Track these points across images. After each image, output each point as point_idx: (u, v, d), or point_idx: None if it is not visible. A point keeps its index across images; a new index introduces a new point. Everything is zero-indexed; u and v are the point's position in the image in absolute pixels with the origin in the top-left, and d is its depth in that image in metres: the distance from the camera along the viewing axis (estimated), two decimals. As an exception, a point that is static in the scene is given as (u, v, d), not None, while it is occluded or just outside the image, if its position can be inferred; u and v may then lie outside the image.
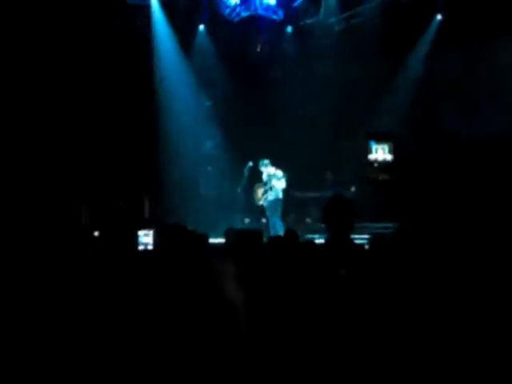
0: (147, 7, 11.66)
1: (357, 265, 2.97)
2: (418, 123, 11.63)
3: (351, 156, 12.28)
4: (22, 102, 9.81)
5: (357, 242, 3.35)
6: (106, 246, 3.80)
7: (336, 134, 12.50)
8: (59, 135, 10.25)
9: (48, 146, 10.04)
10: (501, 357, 2.37)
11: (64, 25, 10.09)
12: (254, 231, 5.49)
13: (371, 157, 12.24)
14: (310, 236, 9.45)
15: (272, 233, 9.78)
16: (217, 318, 2.65)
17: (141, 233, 6.68)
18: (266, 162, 10.45)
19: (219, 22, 12.31)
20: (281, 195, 10.34)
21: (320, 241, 6.08)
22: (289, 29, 13.00)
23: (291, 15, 12.54)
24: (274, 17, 12.20)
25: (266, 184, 10.42)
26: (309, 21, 12.68)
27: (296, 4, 12.19)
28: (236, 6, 11.84)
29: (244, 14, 11.96)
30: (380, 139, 12.25)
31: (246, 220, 12.05)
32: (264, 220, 11.22)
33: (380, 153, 12.26)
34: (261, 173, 10.54)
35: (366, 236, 5.42)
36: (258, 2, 11.82)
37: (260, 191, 10.54)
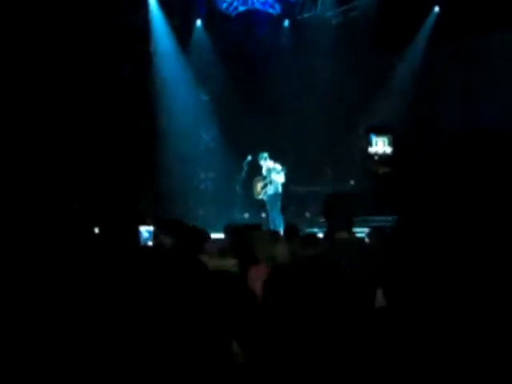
0: (144, 3, 11.63)
1: (357, 258, 2.98)
2: (417, 116, 11.64)
3: (350, 149, 12.29)
4: (20, 105, 9.80)
5: (357, 235, 3.36)
6: (108, 243, 3.81)
7: (335, 128, 12.50)
8: (55, 131, 10.25)
9: (45, 144, 10.03)
10: (501, 356, 2.38)
11: (62, 23, 10.07)
12: (254, 226, 5.51)
13: (371, 150, 12.20)
14: (309, 230, 9.48)
15: (272, 227, 9.79)
16: (217, 314, 2.67)
17: (141, 229, 6.67)
18: (265, 155, 10.45)
19: (216, 17, 12.30)
20: (280, 189, 10.35)
21: (320, 235, 6.11)
22: (286, 23, 12.99)
23: (288, 9, 12.53)
24: (271, 11, 12.20)
25: (265, 178, 10.43)
26: (306, 15, 12.67)
27: (293, -2, 12.20)
28: (233, 0, 11.83)
29: (241, 8, 11.96)
30: (380, 132, 12.22)
31: (246, 214, 12.07)
32: (263, 214, 11.23)
33: (380, 145, 12.24)
34: (260, 167, 10.55)
35: (366, 229, 5.44)
36: (255, -3, 11.84)
37: (259, 185, 10.53)
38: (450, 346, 2.39)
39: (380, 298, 2.85)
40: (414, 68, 12.14)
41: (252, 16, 12.27)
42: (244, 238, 4.27)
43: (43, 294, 2.80)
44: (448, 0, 11.35)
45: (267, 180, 10.36)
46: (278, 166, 10.28)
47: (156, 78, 11.97)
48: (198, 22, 12.47)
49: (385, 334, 2.49)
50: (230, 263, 3.41)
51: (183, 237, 3.85)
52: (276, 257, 3.73)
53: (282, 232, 6.88)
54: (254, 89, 12.66)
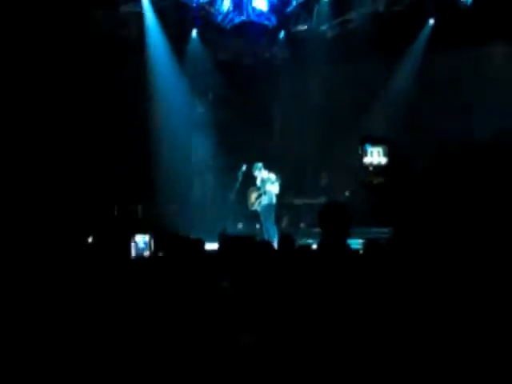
0: (140, 14, 11.65)
1: (351, 270, 2.97)
2: (412, 127, 11.68)
3: (345, 160, 12.30)
4: (16, 111, 9.78)
5: (352, 247, 3.35)
6: (101, 253, 3.79)
7: (329, 139, 12.53)
8: (52, 140, 10.22)
9: (41, 152, 10.00)
10: (496, 360, 2.38)
11: (57, 33, 10.06)
12: (247, 237, 5.49)
13: (366, 160, 12.22)
14: (304, 241, 9.45)
15: (266, 237, 9.77)
16: (213, 322, 2.64)
17: (137, 238, 6.64)
18: (260, 165, 10.45)
19: (212, 28, 12.33)
20: (274, 200, 10.34)
21: (315, 246, 6.08)
22: (281, 34, 13.04)
23: (284, 21, 12.58)
24: (267, 23, 12.24)
25: (259, 188, 10.42)
26: (301, 27, 12.72)
27: (289, 10, 12.22)
28: (229, 12, 11.87)
29: (237, 20, 11.99)
30: (375, 142, 12.25)
31: (240, 225, 12.04)
32: (257, 225, 11.21)
33: (375, 156, 12.25)
34: (254, 177, 10.55)
35: (361, 241, 5.42)
36: (250, 9, 11.86)
37: (253, 195, 10.53)
38: (444, 352, 2.37)
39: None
40: (409, 80, 12.20)
41: (248, 28, 12.30)
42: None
43: (39, 301, 2.78)
44: (443, 12, 11.44)
45: (261, 190, 10.36)
46: (273, 177, 10.29)
47: (151, 88, 11.96)
48: (194, 33, 12.50)
49: (381, 338, 2.48)
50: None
51: (179, 247, 3.83)
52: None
53: (276, 243, 6.86)
54: (249, 100, 12.69)
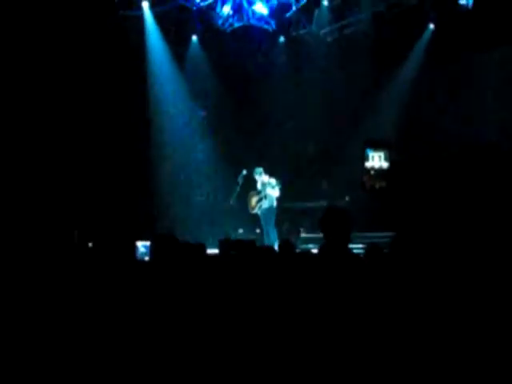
0: (140, 18, 11.66)
1: (353, 274, 2.96)
2: (413, 131, 11.67)
3: (346, 165, 12.29)
4: (15, 113, 9.77)
5: (353, 251, 3.34)
6: (101, 258, 3.77)
7: (330, 143, 12.53)
8: (52, 144, 10.21)
9: (39, 157, 9.99)
10: (495, 362, 2.37)
11: (57, 36, 10.06)
12: (248, 241, 5.48)
13: (367, 164, 12.21)
14: (304, 246, 9.45)
15: (266, 242, 9.77)
16: (214, 327, 2.63)
17: (138, 244, 6.64)
18: (260, 170, 10.46)
19: (212, 33, 12.35)
20: (275, 204, 10.35)
21: (315, 251, 6.07)
22: (281, 39, 13.05)
23: (284, 25, 12.59)
24: (267, 27, 12.26)
25: (260, 192, 10.42)
26: (301, 31, 12.74)
27: (288, 14, 12.23)
28: (229, 16, 11.89)
29: (237, 24, 12.02)
30: (376, 146, 12.24)
31: (240, 230, 12.03)
32: (258, 230, 11.20)
33: (376, 160, 12.24)
34: (255, 181, 10.55)
35: (362, 245, 5.40)
36: (250, 13, 11.89)
37: (254, 200, 10.52)
38: (445, 355, 2.36)
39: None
40: (409, 84, 12.20)
41: (247, 32, 12.32)
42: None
43: (39, 304, 2.76)
44: (443, 17, 11.45)
45: (262, 195, 10.36)
46: (273, 181, 10.29)
47: (151, 92, 11.97)
48: (194, 38, 12.53)
49: (383, 342, 2.47)
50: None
51: (179, 252, 3.81)
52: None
53: (276, 247, 6.85)
54: (249, 104, 12.70)
